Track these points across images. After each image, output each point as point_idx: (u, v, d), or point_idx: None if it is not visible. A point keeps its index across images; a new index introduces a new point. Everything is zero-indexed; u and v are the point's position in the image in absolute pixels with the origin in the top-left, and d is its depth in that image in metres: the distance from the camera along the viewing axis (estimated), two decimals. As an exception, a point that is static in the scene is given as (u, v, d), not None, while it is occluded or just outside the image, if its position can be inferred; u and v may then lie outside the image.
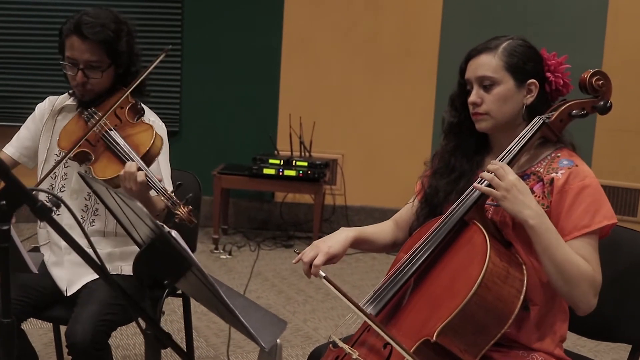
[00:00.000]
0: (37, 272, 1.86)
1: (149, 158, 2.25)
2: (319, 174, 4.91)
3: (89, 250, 1.44)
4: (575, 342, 3.11)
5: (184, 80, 5.39)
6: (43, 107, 2.55)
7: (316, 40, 5.33)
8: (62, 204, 1.31)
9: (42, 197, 1.68)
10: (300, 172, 4.92)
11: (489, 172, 1.78)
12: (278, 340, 1.53)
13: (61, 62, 2.37)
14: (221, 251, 4.93)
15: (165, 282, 1.57)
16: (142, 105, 2.44)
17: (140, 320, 2.06)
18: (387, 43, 5.28)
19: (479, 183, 1.82)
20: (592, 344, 3.40)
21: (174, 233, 1.36)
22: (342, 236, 1.98)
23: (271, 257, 4.92)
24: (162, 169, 2.38)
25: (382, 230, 2.12)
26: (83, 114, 2.39)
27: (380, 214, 5.43)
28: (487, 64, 1.87)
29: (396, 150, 5.36)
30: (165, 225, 1.38)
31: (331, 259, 1.91)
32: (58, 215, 2.40)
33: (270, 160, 4.96)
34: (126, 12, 4.97)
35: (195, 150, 5.33)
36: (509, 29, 4.85)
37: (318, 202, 4.97)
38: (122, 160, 2.23)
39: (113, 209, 1.72)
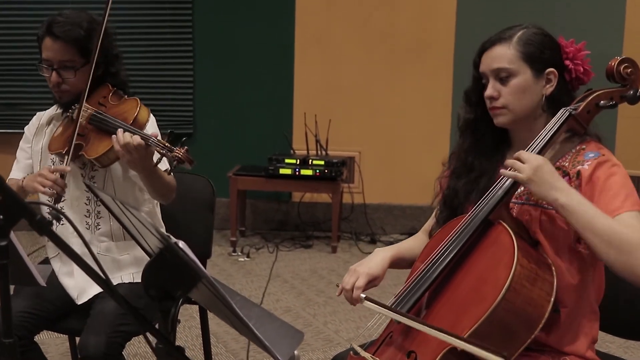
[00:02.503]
0: (45, 285, 1.81)
1: (137, 125, 2.25)
2: (336, 172, 4.84)
3: (99, 256, 1.40)
4: (603, 338, 3.01)
5: (196, 82, 5.34)
6: (30, 125, 2.53)
7: (330, 37, 5.25)
8: (62, 217, 1.25)
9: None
10: (317, 171, 4.85)
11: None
12: (296, 352, 1.46)
13: (37, 65, 2.36)
14: (239, 254, 4.87)
15: (177, 294, 1.49)
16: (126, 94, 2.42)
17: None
18: (402, 36, 5.19)
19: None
20: (621, 340, 3.30)
21: (181, 244, 1.29)
22: (379, 257, 1.93)
23: (290, 258, 4.86)
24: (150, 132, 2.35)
25: (415, 244, 2.05)
26: (68, 115, 2.37)
27: (399, 211, 5.36)
28: (503, 55, 1.79)
29: (414, 145, 5.28)
30: (171, 236, 1.31)
31: (373, 281, 1.87)
32: (63, 224, 2.37)
33: (287, 160, 4.89)
34: (136, 14, 4.94)
35: (210, 152, 5.26)
36: (525, 17, 4.77)
37: (336, 200, 4.90)
38: (111, 132, 2.21)
39: (120, 217, 1.66)
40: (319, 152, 5.09)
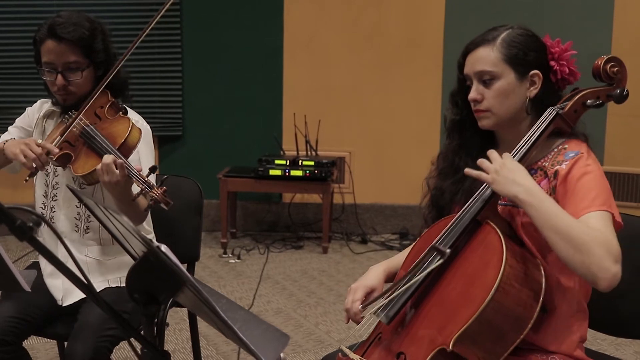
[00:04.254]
0: (29, 291, 1.79)
1: (125, 149, 2.21)
2: (326, 172, 4.83)
3: (87, 259, 1.39)
4: (594, 336, 3.02)
5: (185, 84, 5.32)
6: (33, 111, 2.51)
7: (318, 37, 5.24)
8: (43, 223, 1.23)
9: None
10: (307, 171, 4.84)
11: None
12: (282, 354, 1.45)
13: (39, 69, 2.34)
14: (230, 255, 4.86)
15: (162, 297, 1.48)
16: (125, 106, 2.38)
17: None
18: (391, 36, 5.19)
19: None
20: (612, 337, 3.31)
21: (163, 248, 1.28)
22: (373, 272, 1.95)
23: (281, 259, 4.84)
24: (142, 161, 2.33)
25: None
26: (64, 119, 2.34)
27: (390, 211, 5.36)
28: (486, 57, 1.77)
29: (404, 145, 5.28)
30: (154, 240, 1.30)
31: (370, 292, 1.88)
32: (52, 223, 2.36)
33: (276, 161, 4.88)
34: (124, 16, 4.92)
35: (199, 154, 5.25)
36: (514, 16, 4.78)
37: (327, 201, 4.89)
38: (99, 154, 2.19)
39: (104, 221, 1.65)
40: (309, 152, 5.08)
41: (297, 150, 5.05)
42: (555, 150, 1.78)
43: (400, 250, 5.02)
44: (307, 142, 5.06)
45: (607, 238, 1.59)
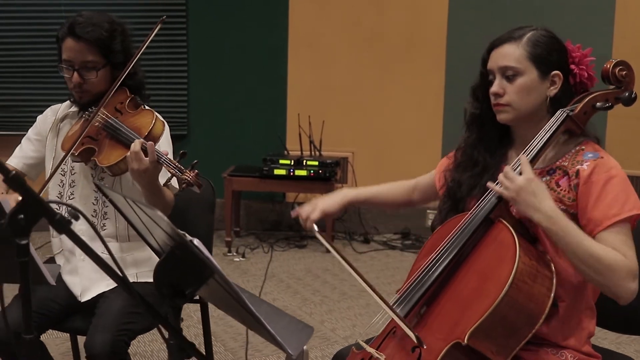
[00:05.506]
0: (54, 284, 1.84)
1: (150, 139, 2.25)
2: (330, 172, 4.88)
3: (104, 256, 1.43)
4: (596, 334, 3.07)
5: (190, 84, 5.36)
6: (45, 117, 2.54)
7: (322, 38, 5.29)
8: (81, 216, 1.28)
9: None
10: (312, 171, 4.89)
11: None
12: (305, 347, 1.50)
13: (59, 66, 2.38)
14: (234, 254, 4.90)
15: (187, 291, 1.53)
16: (142, 102, 2.44)
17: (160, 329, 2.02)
18: (394, 37, 5.24)
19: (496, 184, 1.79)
20: (613, 336, 3.35)
21: (196, 242, 1.33)
22: (339, 196, 2.13)
23: (285, 258, 4.89)
24: (162, 149, 2.37)
25: (392, 189, 2.22)
26: (84, 115, 2.39)
27: (392, 211, 5.40)
28: (511, 53, 1.83)
29: (407, 145, 5.32)
30: (187, 234, 1.34)
31: (326, 216, 2.08)
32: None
33: (281, 161, 4.93)
34: (131, 16, 4.96)
35: (204, 153, 5.27)
36: (516, 18, 4.84)
37: (330, 201, 4.92)
38: (124, 143, 2.24)
39: (130, 217, 1.69)
40: (313, 152, 5.13)
41: (301, 150, 5.09)
42: (573, 151, 1.84)
43: (402, 250, 5.11)
44: (311, 142, 5.11)
45: (626, 262, 1.70)
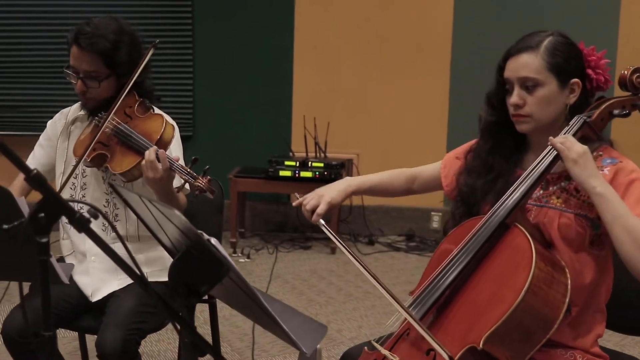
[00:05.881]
0: (68, 283, 1.86)
1: (162, 144, 2.28)
2: (335, 174, 4.89)
3: (117, 251, 1.45)
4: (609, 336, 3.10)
5: (196, 85, 5.38)
6: (55, 122, 2.56)
7: (328, 39, 5.31)
8: (100, 215, 1.30)
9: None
10: (317, 173, 4.90)
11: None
12: (318, 345, 1.51)
13: (65, 70, 2.39)
14: (239, 255, 4.92)
15: (202, 289, 1.55)
16: (152, 105, 2.45)
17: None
18: (400, 39, 5.25)
19: (531, 169, 1.79)
20: (618, 338, 3.37)
21: (213, 241, 1.34)
22: (343, 186, 2.10)
23: (290, 259, 4.91)
24: (173, 155, 2.39)
25: (393, 178, 2.26)
26: (94, 121, 2.40)
27: (397, 213, 5.42)
28: (530, 64, 1.81)
29: (411, 148, 5.34)
30: (204, 233, 1.36)
31: (331, 207, 2.06)
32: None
33: (286, 162, 4.94)
34: (136, 18, 4.99)
35: (210, 154, 5.28)
36: (521, 21, 4.88)
37: (335, 202, 4.94)
38: (136, 150, 2.26)
39: (143, 216, 1.71)
40: (318, 154, 5.14)
41: (307, 152, 5.11)
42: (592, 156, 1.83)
43: (406, 252, 5.12)
44: (316, 143, 5.13)
45: None
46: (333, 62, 5.33)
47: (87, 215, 1.28)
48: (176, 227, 1.48)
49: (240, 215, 5.25)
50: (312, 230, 5.42)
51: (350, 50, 5.30)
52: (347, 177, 2.16)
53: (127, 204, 1.72)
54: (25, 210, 1.59)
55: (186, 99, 5.36)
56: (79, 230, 1.26)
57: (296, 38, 5.32)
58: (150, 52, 2.36)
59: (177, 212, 1.35)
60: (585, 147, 1.72)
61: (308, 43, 5.32)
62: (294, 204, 2.08)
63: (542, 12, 4.98)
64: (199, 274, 1.52)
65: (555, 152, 1.76)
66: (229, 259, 1.36)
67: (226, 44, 5.35)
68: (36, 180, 1.22)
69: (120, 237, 1.39)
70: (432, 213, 5.37)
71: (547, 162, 1.78)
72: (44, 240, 1.25)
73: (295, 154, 5.19)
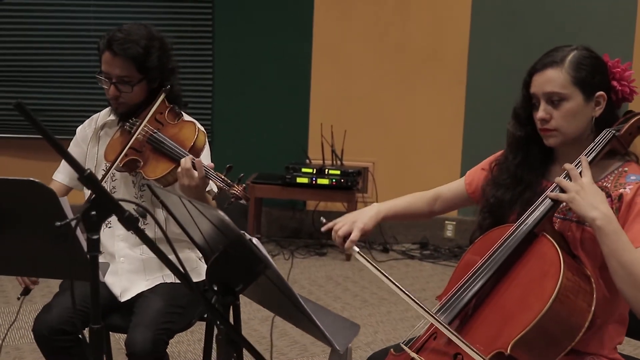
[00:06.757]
0: (104, 281, 1.92)
1: (195, 151, 2.35)
2: (352, 182, 4.95)
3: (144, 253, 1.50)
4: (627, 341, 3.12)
5: (215, 92, 5.46)
6: (84, 128, 2.62)
7: (346, 49, 5.38)
8: (148, 214, 1.36)
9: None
10: (334, 180, 4.96)
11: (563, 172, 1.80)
12: (350, 345, 1.57)
13: (97, 76, 2.45)
14: (256, 260, 4.97)
15: (237, 288, 1.60)
16: (181, 111, 2.52)
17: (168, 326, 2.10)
18: (417, 49, 5.32)
19: (552, 190, 1.82)
20: (630, 344, 3.39)
21: (255, 240, 1.40)
22: (373, 212, 2.11)
23: (305, 265, 4.96)
24: (205, 162, 2.44)
25: (416, 202, 2.22)
26: (125, 126, 2.45)
27: (411, 221, 5.47)
28: (555, 79, 1.84)
29: (427, 157, 5.39)
30: (246, 233, 1.42)
31: (364, 235, 2.05)
32: (110, 227, 2.49)
33: (303, 169, 5.00)
34: (157, 24, 5.05)
35: (228, 161, 5.36)
36: (538, 32, 4.94)
37: (351, 210, 5.00)
38: (169, 157, 2.33)
39: (179, 216, 1.76)
40: (334, 161, 5.20)
41: (323, 159, 5.17)
42: (616, 172, 1.87)
43: (421, 260, 5.17)
44: (333, 151, 5.19)
45: None
46: (350, 70, 5.39)
47: (135, 214, 1.33)
48: (215, 226, 1.54)
49: (257, 221, 5.31)
50: (327, 237, 5.45)
51: (368, 59, 5.37)
52: (375, 204, 2.15)
53: (163, 205, 1.78)
54: (68, 210, 1.64)
55: (205, 106, 5.44)
56: (128, 228, 1.32)
57: (314, 47, 5.39)
58: (162, 97, 2.43)
59: (220, 212, 1.40)
60: (586, 181, 1.76)
61: (326, 52, 5.39)
62: (322, 229, 2.06)
63: (557, 23, 5.03)
64: (235, 273, 1.58)
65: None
66: (269, 257, 1.42)
67: (245, 52, 5.42)
68: (90, 180, 1.29)
69: (167, 239, 1.44)
70: (446, 222, 5.41)
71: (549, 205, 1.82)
72: (95, 237, 1.31)
73: (312, 161, 5.25)
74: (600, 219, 1.72)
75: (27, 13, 5.36)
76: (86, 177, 1.28)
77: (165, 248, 2.43)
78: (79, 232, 1.54)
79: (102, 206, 1.30)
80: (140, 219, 2.43)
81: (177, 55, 2.53)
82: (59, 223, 1.34)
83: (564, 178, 1.81)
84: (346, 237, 2.03)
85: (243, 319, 3.74)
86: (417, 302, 1.80)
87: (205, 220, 1.58)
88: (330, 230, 2.05)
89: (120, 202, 1.36)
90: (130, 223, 1.31)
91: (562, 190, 1.80)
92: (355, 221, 2.04)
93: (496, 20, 5.19)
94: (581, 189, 1.76)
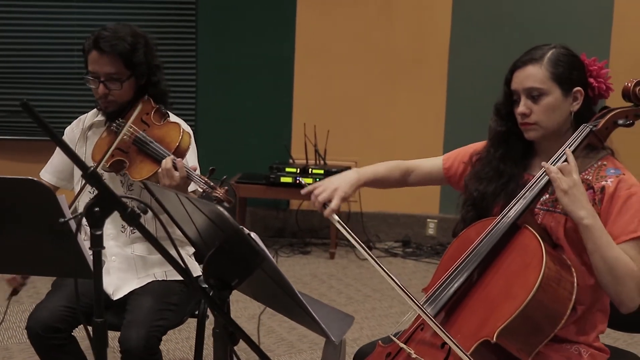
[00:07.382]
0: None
1: (179, 153, 2.37)
2: (335, 181, 4.99)
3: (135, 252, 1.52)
4: (607, 334, 3.18)
5: (198, 92, 5.48)
6: (72, 129, 2.64)
7: (328, 49, 5.43)
8: (149, 211, 1.39)
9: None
10: (317, 179, 4.99)
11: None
12: (344, 336, 1.61)
13: (84, 77, 2.48)
14: (241, 259, 5.00)
15: (233, 282, 1.64)
16: (167, 111, 2.55)
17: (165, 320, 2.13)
18: (399, 50, 5.38)
19: (540, 174, 1.90)
20: (628, 336, 3.46)
21: (253, 235, 1.44)
22: (353, 178, 2.10)
23: (290, 263, 5.01)
24: (189, 163, 2.48)
25: (393, 171, 2.25)
26: (112, 127, 2.48)
27: (393, 219, 5.54)
28: (534, 75, 1.93)
29: (409, 156, 5.34)
30: (245, 228, 1.46)
31: (343, 202, 2.07)
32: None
33: (287, 169, 5.05)
34: (141, 25, 5.07)
35: (210, 161, 5.38)
36: (515, 36, 5.02)
37: (334, 208, 5.04)
38: (154, 158, 2.35)
39: (173, 213, 1.80)
40: (318, 161, 5.25)
41: (307, 159, 5.22)
42: (595, 165, 1.95)
43: (403, 258, 5.23)
44: (316, 151, 5.24)
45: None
46: (333, 71, 5.45)
47: (137, 210, 1.37)
48: (212, 222, 1.58)
49: (241, 221, 5.35)
50: (311, 235, 5.53)
51: (350, 59, 5.42)
52: (355, 169, 2.15)
53: (159, 202, 1.82)
54: (65, 208, 1.67)
55: (189, 107, 5.46)
56: (130, 224, 1.36)
57: (297, 47, 5.44)
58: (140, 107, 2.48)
59: (219, 207, 1.44)
60: (577, 178, 1.84)
61: (309, 52, 5.44)
62: (302, 191, 2.05)
63: (536, 26, 5.12)
64: (232, 267, 1.62)
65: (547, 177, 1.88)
66: (268, 252, 1.46)
67: (228, 52, 5.46)
68: (93, 177, 1.33)
69: (170, 237, 1.48)
70: (428, 220, 5.49)
71: (535, 192, 1.90)
72: (99, 232, 1.35)
73: (295, 161, 5.30)
74: (587, 217, 1.81)
75: (9, 15, 5.36)
76: (90, 175, 1.32)
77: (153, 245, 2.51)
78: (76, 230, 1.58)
79: (105, 202, 1.34)
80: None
81: (160, 55, 2.56)
82: (62, 219, 1.37)
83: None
84: (326, 203, 2.02)
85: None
86: (398, 282, 1.87)
87: (202, 216, 1.61)
88: (309, 193, 2.04)
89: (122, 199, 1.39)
90: (132, 219, 1.35)
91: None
92: (336, 188, 2.03)
93: (476, 23, 5.27)
94: (574, 186, 1.83)
